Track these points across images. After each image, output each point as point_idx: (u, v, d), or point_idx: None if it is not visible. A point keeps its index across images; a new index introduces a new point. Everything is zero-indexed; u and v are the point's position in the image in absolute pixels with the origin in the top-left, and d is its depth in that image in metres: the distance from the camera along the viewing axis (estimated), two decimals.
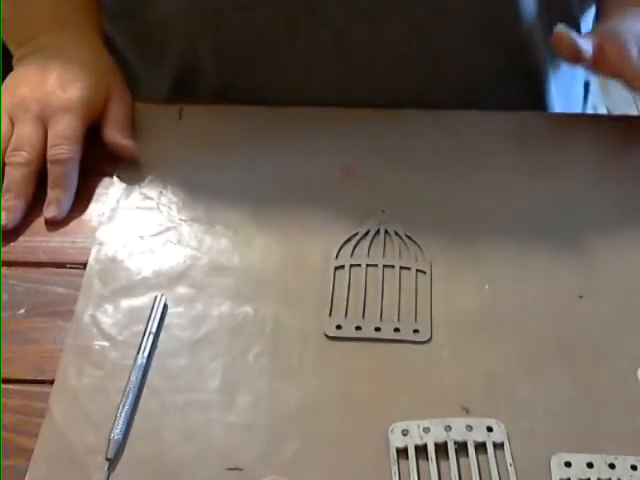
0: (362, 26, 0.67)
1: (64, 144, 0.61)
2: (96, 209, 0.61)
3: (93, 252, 0.58)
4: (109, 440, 0.47)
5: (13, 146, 0.61)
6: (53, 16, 0.69)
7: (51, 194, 0.60)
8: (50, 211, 0.59)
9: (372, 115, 0.68)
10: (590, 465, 0.46)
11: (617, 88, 0.65)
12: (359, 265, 0.57)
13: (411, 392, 0.50)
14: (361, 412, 0.49)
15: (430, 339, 0.53)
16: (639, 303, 0.55)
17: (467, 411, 0.49)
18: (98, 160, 0.65)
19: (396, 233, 0.59)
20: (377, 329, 0.53)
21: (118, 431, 0.47)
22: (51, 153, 0.61)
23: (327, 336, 0.53)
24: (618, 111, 0.87)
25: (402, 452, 0.47)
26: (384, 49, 0.69)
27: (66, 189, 0.60)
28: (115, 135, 0.64)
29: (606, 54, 0.62)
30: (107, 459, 0.46)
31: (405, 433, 0.47)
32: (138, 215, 0.60)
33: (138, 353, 0.51)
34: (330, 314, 0.54)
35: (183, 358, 0.52)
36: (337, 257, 0.57)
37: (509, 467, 0.46)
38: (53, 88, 0.64)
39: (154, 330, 0.52)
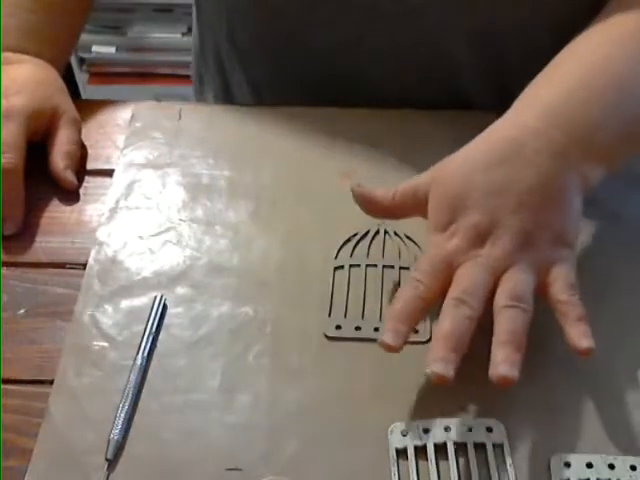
0: None
1: (5, 152, 0.59)
2: (96, 209, 0.61)
3: (93, 252, 0.58)
4: (108, 440, 0.47)
5: None
6: (16, 36, 0.67)
7: (3, 210, 0.59)
8: (8, 229, 0.59)
9: (372, 115, 0.67)
10: (590, 465, 0.46)
11: None
12: (359, 265, 0.57)
13: (411, 392, 0.50)
14: (361, 412, 0.49)
15: (430, 339, 0.52)
16: (639, 303, 0.55)
17: (467, 411, 0.49)
18: (97, 160, 0.65)
19: (396, 233, 0.59)
20: (377, 329, 0.53)
21: (117, 431, 0.47)
22: None
23: (327, 336, 0.53)
24: None
25: (402, 453, 0.47)
26: None
27: (17, 202, 0.60)
28: (57, 164, 0.62)
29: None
30: (106, 459, 0.46)
31: (405, 434, 0.47)
32: (138, 215, 0.60)
33: (138, 353, 0.51)
34: (330, 314, 0.54)
35: (183, 358, 0.52)
36: (336, 257, 0.57)
37: (509, 467, 0.46)
38: None
39: (154, 330, 0.52)
